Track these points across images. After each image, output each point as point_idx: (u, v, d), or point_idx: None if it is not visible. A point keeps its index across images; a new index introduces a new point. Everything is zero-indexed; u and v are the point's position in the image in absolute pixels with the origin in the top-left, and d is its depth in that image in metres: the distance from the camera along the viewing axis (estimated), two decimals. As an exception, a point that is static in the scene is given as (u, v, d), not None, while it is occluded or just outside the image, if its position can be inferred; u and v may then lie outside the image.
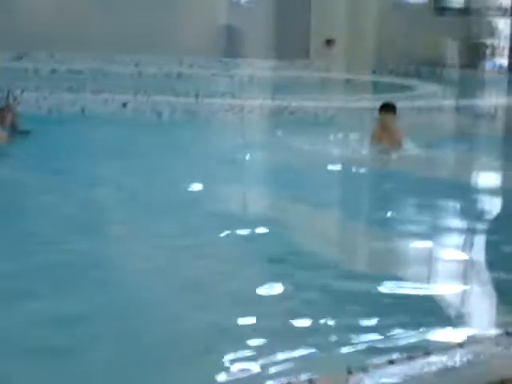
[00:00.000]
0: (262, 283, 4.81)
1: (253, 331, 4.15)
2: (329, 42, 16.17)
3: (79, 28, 14.99)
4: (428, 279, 5.19)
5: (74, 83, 11.59)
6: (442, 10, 18.13)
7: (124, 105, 10.74)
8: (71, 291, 4.58)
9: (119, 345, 3.96)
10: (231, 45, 15.64)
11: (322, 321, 4.29)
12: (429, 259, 5.67)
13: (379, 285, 4.84)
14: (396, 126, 8.86)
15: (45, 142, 8.74)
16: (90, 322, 4.17)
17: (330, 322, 4.29)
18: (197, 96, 11.22)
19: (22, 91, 10.71)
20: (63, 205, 6.41)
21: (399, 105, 11.62)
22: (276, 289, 4.78)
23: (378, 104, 11.62)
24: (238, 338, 4.08)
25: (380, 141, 8.83)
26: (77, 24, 15.02)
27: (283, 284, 4.82)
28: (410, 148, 8.88)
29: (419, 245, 5.93)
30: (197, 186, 7.26)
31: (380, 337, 4.11)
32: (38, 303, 4.38)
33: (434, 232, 6.21)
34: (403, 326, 4.23)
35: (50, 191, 6.87)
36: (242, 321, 4.32)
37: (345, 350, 3.97)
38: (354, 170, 8.35)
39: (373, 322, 4.31)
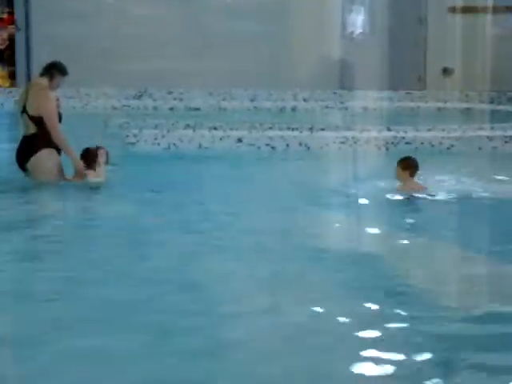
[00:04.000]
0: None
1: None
2: (446, 71, 15.97)
3: (196, 64, 15.29)
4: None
5: (191, 120, 11.80)
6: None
7: (239, 140, 10.87)
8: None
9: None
10: (345, 77, 15.65)
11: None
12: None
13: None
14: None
15: (163, 178, 8.92)
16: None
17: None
18: (311, 129, 11.25)
19: (141, 129, 11.00)
20: (177, 241, 6.53)
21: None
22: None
23: (498, 133, 11.43)
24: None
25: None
26: (194, 60, 15.34)
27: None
28: None
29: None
30: (309, 220, 7.28)
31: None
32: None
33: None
34: None
35: (166, 226, 7.01)
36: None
37: None
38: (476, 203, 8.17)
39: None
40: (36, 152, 8.35)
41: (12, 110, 13.54)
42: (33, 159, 8.35)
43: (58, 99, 8.66)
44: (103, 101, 14.43)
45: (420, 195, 8.13)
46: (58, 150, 8.50)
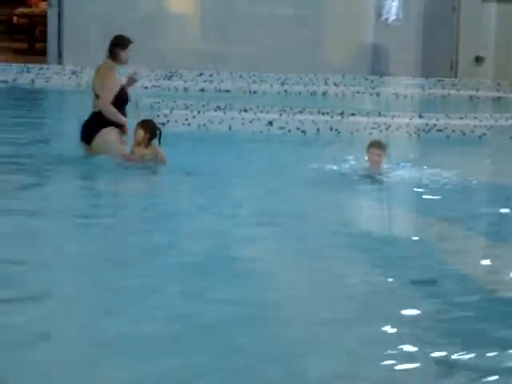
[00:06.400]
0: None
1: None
2: (478, 60, 15.84)
3: (227, 46, 15.24)
4: None
5: (221, 102, 11.77)
6: None
7: (270, 123, 10.84)
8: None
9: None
10: (377, 63, 15.54)
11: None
12: None
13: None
14: None
15: (194, 159, 8.91)
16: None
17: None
18: (342, 114, 11.19)
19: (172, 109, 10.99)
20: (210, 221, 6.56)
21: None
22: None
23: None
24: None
25: None
26: (224, 42, 15.28)
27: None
28: None
29: None
30: (336, 205, 7.28)
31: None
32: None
33: None
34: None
35: (199, 207, 7.03)
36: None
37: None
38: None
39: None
40: (102, 128, 8.44)
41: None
42: (98, 134, 8.44)
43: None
44: (133, 80, 14.40)
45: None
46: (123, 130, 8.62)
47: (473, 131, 11.12)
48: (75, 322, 4.48)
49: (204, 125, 10.79)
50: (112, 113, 8.43)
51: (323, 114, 11.21)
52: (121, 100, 8.50)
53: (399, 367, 4.03)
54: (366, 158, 8.30)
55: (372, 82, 15.01)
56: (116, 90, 8.45)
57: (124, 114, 8.56)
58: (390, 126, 10.87)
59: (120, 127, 8.53)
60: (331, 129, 10.87)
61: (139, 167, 8.24)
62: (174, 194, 7.60)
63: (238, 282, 5.16)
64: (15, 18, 17.98)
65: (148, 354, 4.07)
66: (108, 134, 8.47)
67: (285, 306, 4.81)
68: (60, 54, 14.65)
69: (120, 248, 5.84)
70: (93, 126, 8.50)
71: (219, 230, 6.34)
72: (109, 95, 8.39)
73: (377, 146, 8.29)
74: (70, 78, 14.02)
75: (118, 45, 8.50)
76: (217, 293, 4.93)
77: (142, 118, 8.77)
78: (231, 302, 4.81)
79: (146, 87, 14.19)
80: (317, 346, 4.25)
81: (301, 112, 11.25)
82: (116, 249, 5.82)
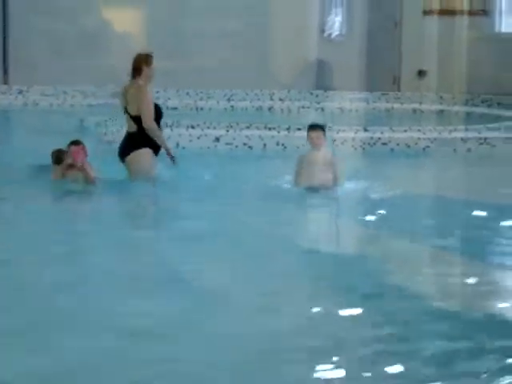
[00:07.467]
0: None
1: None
2: (420, 74, 16.11)
3: (173, 63, 15.30)
4: None
5: (169, 119, 11.80)
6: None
7: (217, 139, 10.91)
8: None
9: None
10: (322, 78, 15.73)
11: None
12: None
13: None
14: None
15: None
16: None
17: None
18: (288, 129, 11.31)
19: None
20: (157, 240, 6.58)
21: (493, 135, 11.55)
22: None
23: (472, 135, 11.58)
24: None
25: None
26: (171, 59, 15.34)
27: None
28: None
29: None
30: (283, 220, 7.35)
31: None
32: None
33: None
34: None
35: (145, 224, 7.05)
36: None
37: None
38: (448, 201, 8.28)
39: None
40: (136, 149, 8.54)
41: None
42: (132, 155, 8.53)
43: None
44: (80, 99, 14.39)
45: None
46: (155, 151, 8.68)
47: (417, 144, 11.31)
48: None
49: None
50: (157, 135, 8.59)
51: (270, 129, 11.33)
52: (156, 116, 8.62)
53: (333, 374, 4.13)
54: (308, 142, 8.29)
55: (317, 96, 15.20)
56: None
57: (160, 127, 8.72)
58: (335, 140, 11.02)
59: (155, 149, 8.62)
60: (278, 144, 10.99)
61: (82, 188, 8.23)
62: (120, 213, 7.62)
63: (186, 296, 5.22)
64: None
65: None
66: (143, 155, 8.57)
67: (232, 319, 4.87)
68: (6, 73, 14.58)
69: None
70: (127, 146, 8.60)
71: (162, 248, 6.38)
72: (150, 115, 8.52)
73: (315, 129, 8.30)
74: (16, 98, 13.97)
75: (144, 62, 8.60)
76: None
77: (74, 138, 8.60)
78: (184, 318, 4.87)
79: (92, 105, 14.20)
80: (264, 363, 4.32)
81: (247, 127, 11.35)
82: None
